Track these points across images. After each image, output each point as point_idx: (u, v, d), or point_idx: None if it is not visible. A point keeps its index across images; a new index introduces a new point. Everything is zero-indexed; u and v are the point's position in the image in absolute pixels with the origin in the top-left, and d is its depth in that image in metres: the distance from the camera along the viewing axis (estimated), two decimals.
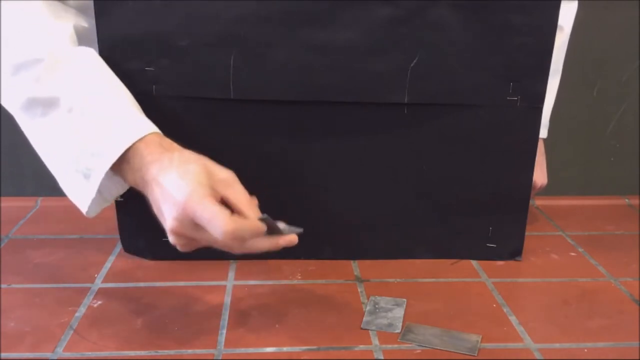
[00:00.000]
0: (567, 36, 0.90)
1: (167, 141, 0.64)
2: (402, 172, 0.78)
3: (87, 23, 0.72)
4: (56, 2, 0.70)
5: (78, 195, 0.66)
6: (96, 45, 0.74)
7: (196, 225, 0.59)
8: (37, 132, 0.67)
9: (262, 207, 0.78)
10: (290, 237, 0.63)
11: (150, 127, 0.65)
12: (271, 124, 0.75)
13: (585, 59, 1.04)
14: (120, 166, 0.63)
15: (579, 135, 1.09)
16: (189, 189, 0.59)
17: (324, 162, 0.77)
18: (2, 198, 0.98)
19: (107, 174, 0.64)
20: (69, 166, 0.66)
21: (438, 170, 0.78)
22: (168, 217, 0.59)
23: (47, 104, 0.65)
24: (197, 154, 0.63)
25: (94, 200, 0.65)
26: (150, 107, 0.73)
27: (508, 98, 0.75)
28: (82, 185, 0.65)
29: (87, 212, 0.66)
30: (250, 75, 0.72)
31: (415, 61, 0.72)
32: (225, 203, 0.61)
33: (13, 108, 0.67)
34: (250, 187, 0.77)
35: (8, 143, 0.98)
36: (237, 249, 0.61)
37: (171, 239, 0.61)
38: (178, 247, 0.61)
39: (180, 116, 0.74)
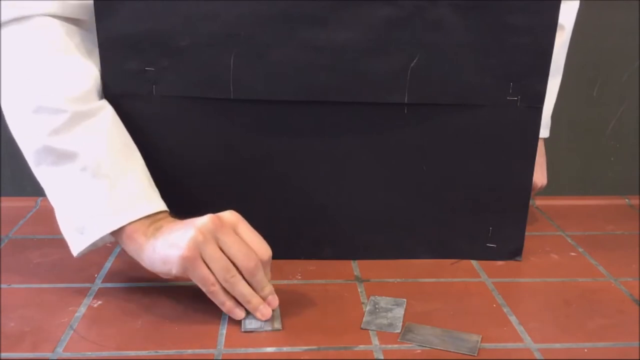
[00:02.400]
0: (568, 35, 0.90)
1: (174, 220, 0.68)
2: (402, 172, 0.78)
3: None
4: (87, 35, 0.72)
5: (70, 240, 0.69)
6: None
7: (213, 239, 0.63)
8: (44, 176, 0.69)
9: (262, 208, 0.78)
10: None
11: (160, 206, 0.68)
12: (271, 124, 0.75)
13: (585, 59, 1.04)
14: (116, 234, 0.67)
15: (579, 135, 1.09)
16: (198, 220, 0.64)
17: (324, 162, 0.77)
18: (2, 198, 0.98)
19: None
20: (67, 214, 0.68)
21: (438, 170, 0.78)
22: (204, 218, 0.63)
23: (61, 156, 0.67)
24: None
25: (82, 251, 0.69)
26: (150, 107, 0.73)
27: (508, 98, 0.75)
28: (75, 237, 0.68)
29: (75, 256, 0.69)
30: (250, 75, 0.72)
31: (415, 61, 0.72)
32: None
33: (26, 147, 0.69)
34: (251, 187, 0.77)
35: (8, 143, 0.98)
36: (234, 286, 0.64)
37: (193, 241, 0.62)
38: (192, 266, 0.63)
39: (180, 116, 0.74)
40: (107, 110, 0.70)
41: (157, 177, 0.71)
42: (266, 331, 0.64)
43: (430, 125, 0.76)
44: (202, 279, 0.63)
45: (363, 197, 0.78)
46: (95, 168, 0.66)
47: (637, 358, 0.62)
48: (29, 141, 0.68)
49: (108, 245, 0.72)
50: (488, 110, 0.76)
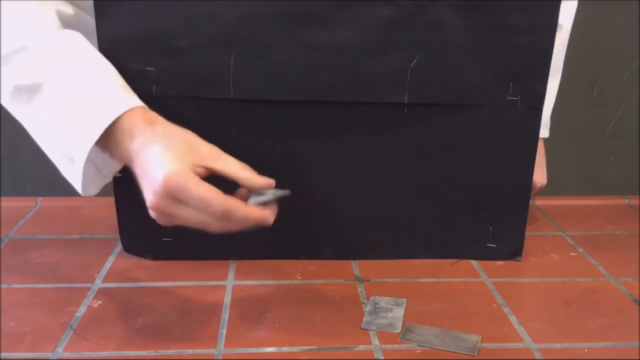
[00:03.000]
0: (566, 35, 0.90)
1: (152, 114, 0.64)
2: (402, 172, 0.78)
3: (72, 10, 0.72)
4: None
5: (71, 179, 0.66)
6: (86, 34, 0.73)
7: (176, 202, 0.58)
8: (25, 119, 0.67)
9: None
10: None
11: (132, 101, 0.64)
12: (271, 124, 0.75)
13: (585, 59, 1.04)
14: (106, 143, 0.63)
15: (579, 135, 1.09)
16: (170, 164, 0.59)
17: (323, 162, 0.77)
18: (2, 198, 0.98)
19: (96, 151, 0.63)
20: (55, 150, 0.66)
21: (438, 170, 0.78)
22: (147, 192, 0.59)
23: (31, 91, 0.65)
24: (181, 127, 0.63)
25: (90, 179, 0.65)
26: (150, 107, 0.72)
27: (508, 98, 0.75)
28: (70, 169, 0.65)
29: (83, 193, 0.66)
30: (250, 75, 0.72)
31: (415, 61, 0.72)
32: (216, 177, 0.60)
33: (4, 98, 0.68)
34: None
35: (8, 143, 0.98)
36: (219, 229, 0.60)
37: (151, 213, 0.60)
38: (158, 221, 0.61)
39: (180, 116, 0.73)
40: (72, 35, 0.68)
41: None
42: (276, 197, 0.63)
43: (430, 125, 0.76)
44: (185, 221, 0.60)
45: (363, 197, 0.78)
46: (63, 90, 0.64)
47: (637, 358, 0.62)
48: (5, 89, 0.67)
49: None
50: (488, 110, 0.76)
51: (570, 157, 1.10)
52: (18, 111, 0.67)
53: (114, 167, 0.67)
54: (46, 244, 0.84)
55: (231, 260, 0.80)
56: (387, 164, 0.77)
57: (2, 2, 0.68)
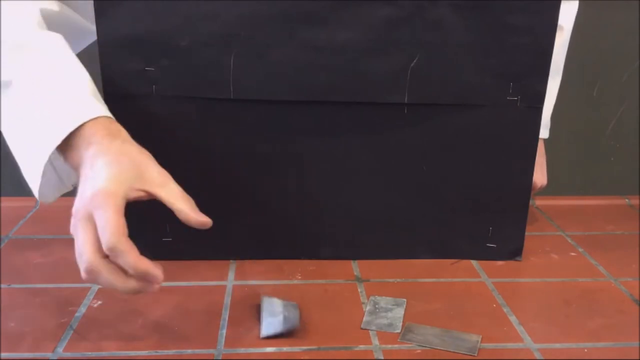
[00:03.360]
0: (567, 36, 0.90)
1: (116, 127, 0.62)
2: (402, 172, 0.78)
3: (58, 7, 0.71)
4: None
5: (30, 180, 0.64)
6: (66, 29, 0.71)
7: (88, 218, 0.56)
8: None
9: (262, 208, 0.78)
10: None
11: (99, 110, 0.62)
12: (271, 124, 0.75)
13: (585, 59, 1.04)
14: (66, 148, 0.61)
15: (579, 135, 1.09)
16: (106, 181, 0.57)
17: (323, 162, 0.77)
18: (2, 198, 0.98)
19: (58, 156, 0.62)
20: (18, 150, 0.64)
21: (438, 170, 0.78)
22: (77, 197, 0.58)
23: (4, 87, 0.64)
24: (141, 148, 0.62)
25: (50, 185, 0.64)
26: (150, 107, 0.73)
27: (508, 98, 0.75)
28: (30, 169, 0.63)
29: (39, 197, 0.64)
30: (250, 75, 0.72)
31: (415, 61, 0.72)
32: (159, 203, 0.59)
33: None
34: (251, 187, 0.77)
35: None
36: (92, 269, 0.56)
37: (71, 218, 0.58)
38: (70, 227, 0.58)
39: (180, 116, 0.74)
40: (52, 37, 0.67)
41: None
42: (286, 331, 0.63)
43: (430, 125, 0.76)
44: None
45: (363, 197, 0.78)
46: (31, 90, 0.63)
47: (637, 358, 0.62)
48: None
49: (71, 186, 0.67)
50: (488, 110, 0.76)
51: (570, 157, 1.10)
52: None
53: (75, 176, 0.64)
54: (46, 244, 0.84)
55: (231, 260, 0.80)
56: (387, 164, 0.77)
57: None
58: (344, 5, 0.70)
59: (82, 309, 0.68)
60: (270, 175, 0.77)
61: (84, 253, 0.56)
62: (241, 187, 0.77)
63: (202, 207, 0.77)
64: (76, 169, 0.61)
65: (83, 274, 0.57)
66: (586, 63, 1.05)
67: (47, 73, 0.64)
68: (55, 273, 0.76)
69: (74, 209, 0.57)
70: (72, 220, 0.58)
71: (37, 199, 0.64)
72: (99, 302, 0.70)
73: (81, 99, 0.63)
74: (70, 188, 0.66)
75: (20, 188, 0.99)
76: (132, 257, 0.56)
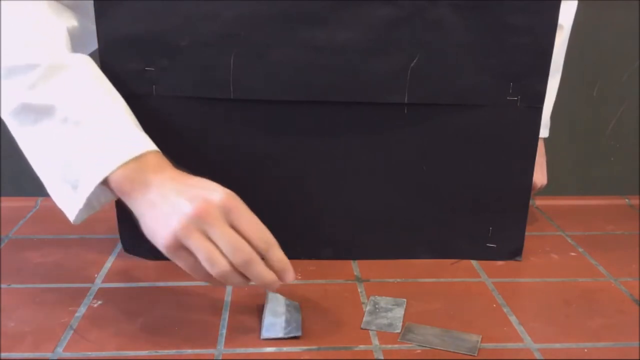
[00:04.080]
0: (567, 35, 0.90)
1: (167, 161, 0.64)
2: (402, 172, 0.78)
3: (77, 22, 0.71)
4: (53, 2, 0.70)
5: (65, 204, 0.65)
6: (86, 44, 0.73)
7: (215, 223, 0.58)
8: (27, 138, 0.66)
9: (262, 208, 0.78)
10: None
11: (150, 145, 0.64)
12: (271, 124, 0.75)
13: (585, 59, 1.04)
14: (112, 176, 0.62)
15: (579, 135, 1.09)
16: (221, 188, 0.61)
17: (323, 162, 0.77)
18: (2, 198, 0.98)
19: (97, 185, 0.63)
20: (57, 175, 0.65)
21: (438, 170, 0.78)
22: (173, 215, 0.59)
23: (40, 112, 0.64)
24: None
25: (81, 209, 0.64)
26: (150, 107, 0.73)
27: (508, 98, 0.75)
28: (69, 195, 0.64)
29: (74, 221, 0.65)
30: (250, 75, 0.72)
31: (415, 61, 0.72)
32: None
33: (3, 112, 0.66)
34: (251, 187, 0.77)
35: (8, 143, 0.97)
36: (226, 271, 0.59)
37: (165, 240, 0.59)
38: (169, 252, 0.59)
39: (180, 116, 0.74)
40: (83, 61, 0.67)
41: None
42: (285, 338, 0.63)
43: (430, 125, 0.76)
44: (186, 268, 0.60)
45: (363, 197, 0.78)
46: (76, 117, 0.63)
47: (637, 358, 0.62)
48: (7, 105, 0.65)
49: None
50: (488, 110, 0.76)
51: (570, 157, 1.10)
52: (20, 130, 0.66)
53: (105, 200, 0.66)
54: (46, 244, 0.84)
55: None
56: (387, 164, 0.77)
57: (15, 14, 0.66)
58: (344, 5, 0.70)
59: (82, 309, 0.68)
60: (270, 175, 0.77)
61: (258, 229, 0.60)
62: (241, 187, 0.77)
63: None
64: (127, 190, 0.62)
65: (228, 282, 0.59)
66: (586, 63, 1.05)
67: (90, 99, 0.65)
68: (55, 273, 0.76)
69: (182, 220, 0.58)
70: (183, 233, 0.58)
71: (72, 221, 0.65)
72: (99, 302, 0.70)
73: (126, 133, 0.64)
74: (97, 210, 0.66)
75: (20, 188, 1.00)
76: (280, 250, 0.61)
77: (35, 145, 0.66)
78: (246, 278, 0.60)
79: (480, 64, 0.73)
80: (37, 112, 0.64)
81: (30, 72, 0.64)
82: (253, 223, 0.60)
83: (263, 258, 0.61)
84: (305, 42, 0.71)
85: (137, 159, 0.62)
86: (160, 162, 0.63)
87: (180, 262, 0.60)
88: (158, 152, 0.64)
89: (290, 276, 0.62)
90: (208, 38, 0.70)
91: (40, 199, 0.97)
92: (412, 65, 0.73)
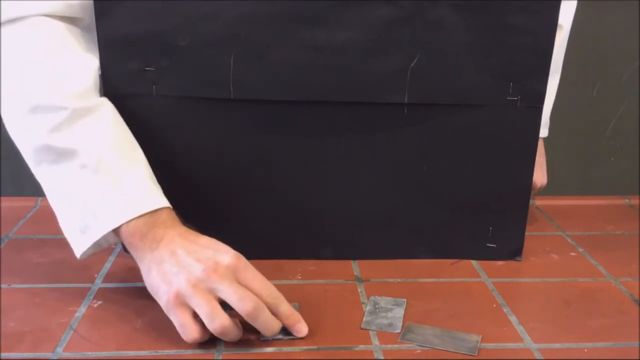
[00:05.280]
0: (566, 34, 0.90)
1: (177, 217, 0.67)
2: (402, 172, 0.78)
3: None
4: (84, 33, 0.71)
5: (73, 241, 0.67)
6: None
7: (231, 276, 0.62)
8: (42, 175, 0.68)
9: (262, 208, 0.78)
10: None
11: (164, 202, 0.66)
12: (271, 124, 0.75)
13: (585, 59, 1.04)
14: (121, 233, 0.65)
15: (579, 135, 1.09)
16: (231, 250, 0.64)
17: (323, 162, 0.77)
18: (2, 198, 0.98)
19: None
20: (68, 216, 0.67)
21: (438, 170, 0.78)
22: (194, 265, 0.61)
23: (61, 154, 0.66)
24: None
25: (85, 251, 0.67)
26: (150, 107, 0.73)
27: (508, 98, 0.75)
28: (78, 236, 0.67)
29: (79, 257, 0.68)
30: (250, 75, 0.72)
31: (415, 61, 0.72)
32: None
33: (25, 147, 0.68)
34: (251, 187, 0.77)
35: (8, 143, 0.97)
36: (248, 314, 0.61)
37: (188, 291, 0.61)
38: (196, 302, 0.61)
39: (180, 116, 0.74)
40: (107, 107, 0.69)
41: (156, 177, 0.71)
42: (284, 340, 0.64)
43: (430, 125, 0.76)
44: (180, 325, 0.61)
45: (363, 197, 0.78)
46: (95, 165, 0.65)
47: (637, 358, 0.62)
48: (28, 141, 0.67)
49: (112, 246, 0.71)
50: (488, 110, 0.76)
51: (570, 157, 1.10)
52: (37, 167, 0.68)
53: (113, 241, 0.68)
54: (46, 244, 0.84)
55: None
56: (387, 164, 0.77)
57: (49, 48, 0.68)
58: (344, 5, 0.70)
59: (82, 309, 0.68)
60: (270, 175, 0.77)
61: (266, 287, 0.63)
62: (241, 187, 0.77)
63: (202, 207, 0.77)
64: (139, 242, 0.64)
65: (227, 337, 0.62)
66: (586, 63, 1.05)
67: (108, 152, 0.66)
68: (55, 273, 0.76)
69: (191, 280, 0.61)
70: (196, 286, 0.61)
71: (78, 257, 0.68)
72: (99, 302, 0.70)
73: (148, 186, 0.67)
74: (103, 248, 0.69)
75: (20, 188, 1.00)
76: (288, 304, 0.64)
77: (49, 184, 0.68)
78: (240, 331, 0.62)
79: (480, 64, 0.73)
80: (58, 154, 0.66)
81: (56, 114, 0.65)
82: (261, 280, 0.63)
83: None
84: (306, 42, 0.71)
85: (150, 214, 0.65)
86: (172, 219, 0.66)
87: (174, 319, 0.62)
88: (170, 208, 0.67)
89: (305, 329, 0.64)
90: (208, 38, 0.70)
91: (40, 199, 0.97)
92: (412, 65, 0.73)
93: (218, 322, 0.60)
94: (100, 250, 0.69)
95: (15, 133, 0.68)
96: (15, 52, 0.67)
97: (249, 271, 0.63)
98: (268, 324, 0.62)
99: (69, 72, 0.68)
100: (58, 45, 0.68)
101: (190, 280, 0.61)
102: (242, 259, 0.63)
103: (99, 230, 0.65)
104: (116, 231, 0.65)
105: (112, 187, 0.65)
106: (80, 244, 0.67)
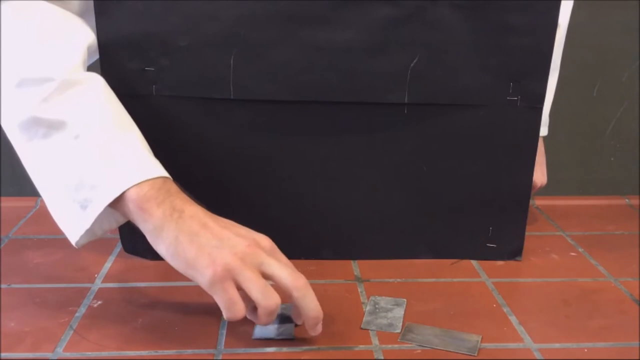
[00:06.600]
0: (564, 32, 0.90)
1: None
2: (402, 172, 0.78)
3: (93, 38, 0.70)
4: (73, 15, 0.70)
5: (69, 225, 0.64)
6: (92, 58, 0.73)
7: (266, 256, 0.60)
8: (34, 153, 0.64)
9: (262, 208, 0.78)
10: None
11: (161, 172, 0.63)
12: (271, 124, 0.75)
13: (585, 59, 1.04)
14: (129, 200, 0.61)
15: (579, 135, 1.09)
16: (258, 233, 0.62)
17: (323, 162, 0.77)
18: (2, 198, 0.98)
19: (105, 208, 0.61)
20: (65, 194, 0.63)
21: (438, 170, 0.78)
22: (244, 239, 0.60)
23: (51, 126, 0.63)
24: None
25: (87, 231, 0.63)
26: (150, 107, 0.73)
27: (508, 98, 0.75)
28: (77, 215, 0.63)
29: (75, 243, 0.64)
30: (250, 75, 0.72)
31: (415, 61, 0.72)
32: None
33: (10, 123, 0.65)
34: (251, 187, 0.77)
35: (8, 143, 0.98)
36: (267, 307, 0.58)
37: (216, 270, 0.58)
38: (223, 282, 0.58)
39: (180, 116, 0.74)
40: (98, 80, 0.67)
41: None
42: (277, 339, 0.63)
43: (430, 125, 0.76)
44: (225, 301, 0.58)
45: (363, 197, 0.78)
46: (89, 134, 0.62)
47: (637, 358, 0.62)
48: (17, 116, 0.63)
49: (107, 233, 0.68)
50: (488, 110, 0.76)
51: (570, 157, 1.10)
52: (27, 144, 0.64)
53: (108, 227, 0.65)
54: (46, 244, 0.84)
55: None
56: (387, 164, 0.77)
57: (36, 25, 0.66)
58: (344, 5, 0.70)
59: (82, 309, 0.68)
60: (270, 175, 0.77)
61: (299, 278, 0.60)
62: (241, 187, 0.77)
63: (202, 206, 0.77)
64: (146, 229, 0.61)
65: (266, 318, 0.59)
66: (586, 63, 1.05)
67: (104, 118, 0.64)
68: (55, 273, 0.76)
69: (238, 254, 0.58)
70: (244, 260, 0.58)
71: (74, 243, 0.64)
72: (99, 302, 0.70)
73: (140, 156, 0.63)
74: (98, 237, 0.65)
75: (20, 188, 1.00)
76: (315, 298, 0.60)
77: (42, 162, 0.64)
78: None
79: (480, 64, 0.73)
80: (48, 127, 0.63)
81: (44, 84, 0.63)
82: (293, 266, 0.62)
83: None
84: (306, 42, 0.71)
85: (160, 181, 0.62)
86: (182, 192, 0.63)
87: (222, 295, 0.58)
88: (170, 178, 0.64)
89: (320, 330, 0.62)
90: (208, 38, 0.70)
91: (40, 199, 0.97)
92: (412, 65, 0.73)
93: (273, 299, 0.57)
94: (94, 239, 0.65)
95: (4, 111, 0.64)
96: (3, 29, 0.65)
97: (283, 255, 0.61)
98: (314, 304, 0.59)
99: (57, 48, 0.66)
100: (47, 23, 0.66)
101: (237, 253, 0.58)
102: (273, 242, 0.62)
103: (102, 200, 0.60)
104: (122, 203, 0.60)
105: (111, 156, 0.62)
106: (80, 224, 0.62)
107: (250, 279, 0.58)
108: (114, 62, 0.71)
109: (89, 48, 0.69)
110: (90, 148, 0.62)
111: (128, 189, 0.60)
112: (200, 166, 0.76)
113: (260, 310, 0.58)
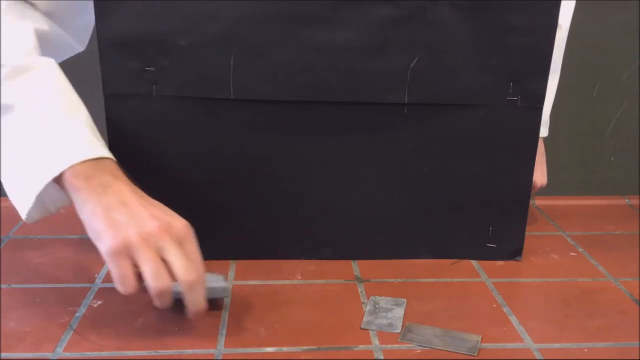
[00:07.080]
0: (565, 33, 0.90)
1: (123, 172, 0.65)
2: (402, 172, 0.78)
3: (48, 26, 0.71)
4: (20, 2, 0.70)
5: (18, 202, 0.65)
6: (60, 50, 0.73)
7: (172, 241, 0.60)
8: None
9: (262, 208, 0.78)
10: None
11: (108, 154, 0.64)
12: (271, 124, 0.75)
13: (585, 59, 1.04)
14: (65, 178, 0.62)
15: (579, 135, 1.10)
16: (179, 217, 0.62)
17: (323, 162, 0.77)
18: (2, 198, 0.98)
19: (51, 185, 0.63)
20: (10, 171, 0.65)
21: (438, 170, 0.78)
22: (155, 221, 0.60)
23: (2, 111, 0.64)
24: None
25: (34, 209, 0.64)
26: (150, 107, 0.73)
27: (508, 98, 0.75)
28: (22, 193, 0.65)
29: (26, 219, 0.65)
30: (250, 75, 0.72)
31: (415, 61, 0.72)
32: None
33: None
34: (251, 187, 0.77)
35: None
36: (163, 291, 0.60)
37: (127, 237, 0.59)
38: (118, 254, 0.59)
39: (180, 116, 0.74)
40: (50, 65, 0.68)
41: (156, 177, 0.71)
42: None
43: (430, 125, 0.76)
44: (118, 276, 0.59)
45: (363, 197, 0.78)
46: (33, 117, 0.64)
47: (637, 358, 0.62)
48: None
49: (61, 210, 0.69)
50: (488, 110, 0.76)
51: (570, 157, 1.10)
52: None
53: (61, 204, 0.66)
54: (46, 244, 0.84)
55: (231, 260, 0.80)
56: (388, 164, 0.77)
57: None
58: (344, 5, 0.70)
59: (82, 309, 0.68)
60: (270, 175, 0.77)
61: (198, 261, 0.61)
62: (241, 187, 0.77)
63: (202, 207, 0.77)
64: (76, 205, 0.62)
65: (158, 299, 0.60)
66: (586, 63, 1.05)
67: (49, 101, 0.65)
68: (55, 273, 0.76)
69: (142, 233, 0.59)
70: (147, 240, 0.59)
71: (24, 219, 0.65)
72: (99, 302, 0.70)
73: (82, 138, 0.64)
74: (52, 213, 0.67)
75: None
76: (203, 292, 0.62)
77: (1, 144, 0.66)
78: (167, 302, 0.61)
79: (480, 64, 0.73)
80: None
81: None
82: (200, 259, 0.62)
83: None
84: (306, 42, 0.71)
85: (95, 161, 0.63)
86: (119, 171, 0.64)
87: (116, 268, 0.59)
88: (116, 162, 0.65)
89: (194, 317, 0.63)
90: (208, 38, 0.70)
91: None
92: (412, 65, 0.73)
93: (162, 282, 0.59)
94: (48, 214, 0.66)
95: None
96: None
97: (193, 245, 0.62)
98: (199, 301, 0.61)
99: (6, 35, 0.66)
100: None
101: (141, 233, 0.59)
102: (192, 230, 0.62)
103: (40, 181, 0.62)
104: (60, 181, 0.62)
105: (53, 139, 0.63)
106: (24, 202, 0.64)
107: (146, 259, 0.59)
108: (114, 62, 0.71)
109: (36, 32, 0.69)
110: (34, 132, 0.64)
111: (65, 169, 0.62)
112: (200, 166, 0.76)
113: (150, 291, 0.59)
